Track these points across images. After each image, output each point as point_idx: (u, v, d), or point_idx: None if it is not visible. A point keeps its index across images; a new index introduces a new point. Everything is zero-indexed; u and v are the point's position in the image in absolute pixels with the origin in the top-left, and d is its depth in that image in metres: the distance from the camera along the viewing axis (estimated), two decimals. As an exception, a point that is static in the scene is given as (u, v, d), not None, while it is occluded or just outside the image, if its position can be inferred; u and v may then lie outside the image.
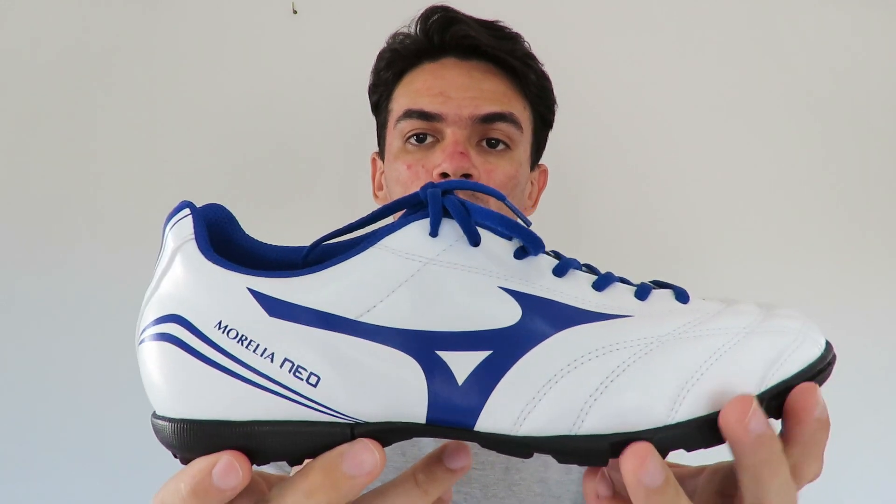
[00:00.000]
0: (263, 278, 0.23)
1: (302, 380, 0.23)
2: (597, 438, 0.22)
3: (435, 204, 0.25)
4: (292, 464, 0.24)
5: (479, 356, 0.23)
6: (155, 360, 0.23)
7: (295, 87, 0.85)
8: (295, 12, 0.86)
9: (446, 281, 0.24)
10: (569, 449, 0.22)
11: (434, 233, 0.24)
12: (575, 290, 0.24)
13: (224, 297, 0.23)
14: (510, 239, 0.25)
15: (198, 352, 0.23)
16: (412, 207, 0.26)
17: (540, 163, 0.67)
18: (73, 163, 0.82)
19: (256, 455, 0.23)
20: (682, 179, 0.88)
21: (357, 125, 0.76)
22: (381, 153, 0.65)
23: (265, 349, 0.23)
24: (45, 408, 0.79)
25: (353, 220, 0.27)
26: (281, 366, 0.23)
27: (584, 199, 0.88)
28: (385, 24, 0.63)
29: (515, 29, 0.61)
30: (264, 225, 0.84)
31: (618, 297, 0.25)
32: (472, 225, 0.24)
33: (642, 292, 0.25)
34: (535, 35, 0.62)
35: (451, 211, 0.24)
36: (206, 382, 0.23)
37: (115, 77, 0.84)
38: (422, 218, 0.24)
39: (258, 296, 0.23)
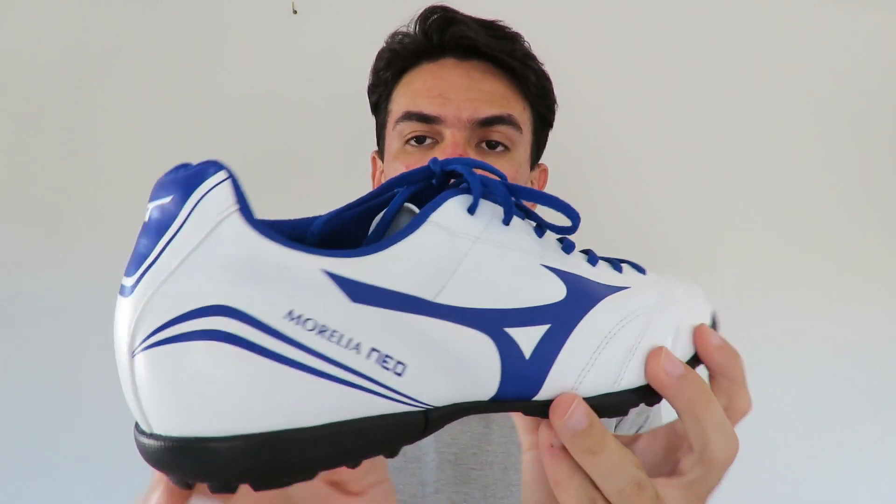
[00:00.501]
0: (340, 259, 0.20)
1: (389, 370, 0.21)
2: (629, 392, 0.26)
3: (475, 181, 0.24)
4: (353, 467, 0.21)
5: (541, 330, 0.24)
6: (196, 365, 0.18)
7: (295, 87, 0.85)
8: (295, 12, 0.86)
9: (497, 259, 0.24)
10: (609, 403, 0.25)
11: (473, 210, 0.24)
12: (582, 266, 0.27)
13: (294, 282, 0.19)
14: (523, 218, 0.26)
15: (267, 349, 0.19)
16: (417, 183, 0.26)
17: (540, 162, 0.67)
18: (73, 163, 0.82)
19: (322, 464, 0.20)
20: (682, 179, 0.88)
21: (357, 125, 0.76)
22: (380, 152, 0.65)
23: (350, 339, 0.20)
24: (45, 408, 0.79)
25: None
26: (368, 356, 0.20)
27: (584, 199, 0.87)
28: (385, 24, 0.63)
29: (515, 29, 0.61)
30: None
31: (607, 271, 0.28)
32: (512, 203, 0.25)
33: (617, 266, 0.29)
34: (535, 35, 0.61)
35: (494, 189, 0.24)
36: (280, 385, 0.19)
37: (115, 77, 0.84)
38: (457, 194, 0.24)
39: (338, 279, 0.20)
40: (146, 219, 0.19)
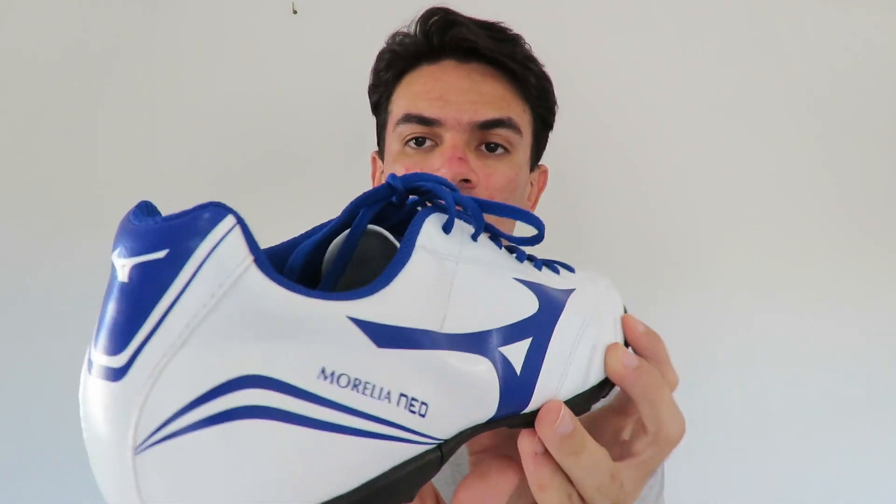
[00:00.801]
0: (361, 302, 0.18)
1: (415, 413, 0.19)
2: (594, 388, 0.27)
3: (449, 198, 0.23)
4: None
5: (526, 344, 0.24)
6: (230, 452, 0.16)
7: (295, 87, 0.85)
8: (295, 12, 0.86)
9: (478, 278, 0.23)
10: (580, 402, 0.27)
11: (448, 229, 0.23)
12: (536, 274, 0.27)
13: (324, 335, 0.17)
14: (483, 231, 0.26)
15: (305, 417, 0.16)
16: (379, 202, 0.25)
17: (540, 164, 0.67)
18: (73, 163, 0.82)
19: None
20: (681, 179, 0.88)
21: (357, 125, 0.76)
22: (380, 153, 0.65)
23: (381, 389, 0.18)
24: (45, 408, 0.79)
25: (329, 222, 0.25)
26: (398, 404, 0.19)
27: (584, 200, 0.88)
28: (385, 24, 0.63)
29: (515, 29, 0.60)
30: (264, 226, 0.85)
31: (551, 275, 0.28)
32: (482, 219, 0.24)
33: (554, 268, 0.29)
34: (536, 35, 0.61)
35: (468, 207, 0.24)
36: (321, 454, 0.17)
37: (115, 77, 0.84)
38: (429, 213, 0.23)
39: (364, 325, 0.18)
40: (122, 279, 0.15)
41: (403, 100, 0.58)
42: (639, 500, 0.55)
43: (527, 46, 0.60)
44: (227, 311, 0.16)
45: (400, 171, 0.57)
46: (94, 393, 0.15)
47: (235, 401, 0.16)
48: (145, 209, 0.17)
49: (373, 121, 0.66)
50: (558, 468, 0.25)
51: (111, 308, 0.15)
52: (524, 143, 0.59)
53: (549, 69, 0.62)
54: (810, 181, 0.88)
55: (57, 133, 0.82)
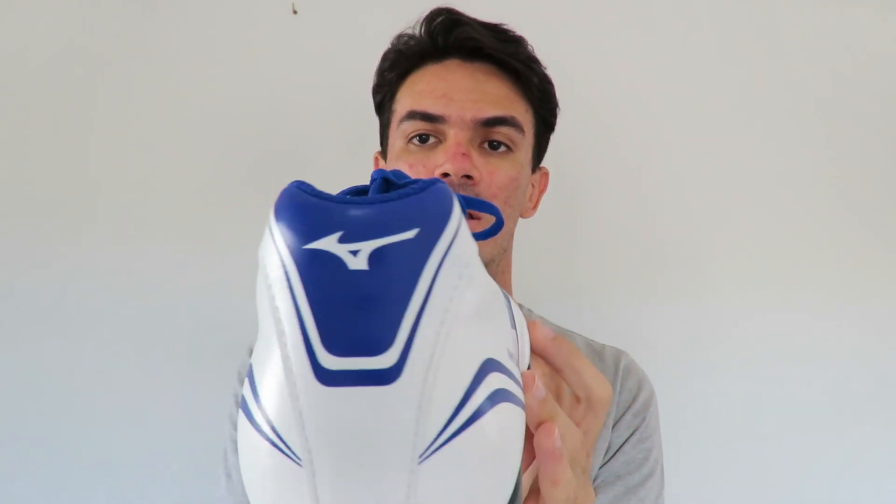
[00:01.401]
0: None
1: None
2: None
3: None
4: None
5: None
6: (497, 441, 0.14)
7: (295, 87, 0.85)
8: (295, 12, 0.85)
9: None
10: None
11: None
12: None
13: (505, 317, 0.17)
14: None
15: (517, 397, 0.16)
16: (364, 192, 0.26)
17: (541, 165, 0.68)
18: (72, 163, 0.82)
19: None
20: (682, 180, 0.88)
21: (357, 125, 0.76)
22: (383, 152, 0.65)
23: (518, 363, 0.20)
24: (43, 407, 0.79)
25: None
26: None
27: (584, 201, 0.88)
28: (385, 24, 0.63)
29: (517, 30, 0.61)
30: (263, 226, 0.84)
31: None
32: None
33: None
34: (537, 36, 0.62)
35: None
36: (522, 433, 0.17)
37: (114, 77, 0.83)
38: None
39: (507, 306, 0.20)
40: (358, 265, 0.13)
41: (408, 98, 0.59)
42: (638, 500, 0.55)
43: (530, 48, 0.61)
44: (469, 295, 0.14)
45: (404, 168, 0.57)
46: (354, 404, 0.13)
47: (487, 388, 0.14)
48: (312, 188, 0.15)
49: (373, 120, 0.66)
50: (568, 466, 0.26)
51: (348, 301, 0.13)
52: (526, 143, 0.60)
53: (550, 71, 0.63)
54: (811, 181, 0.88)
55: (56, 133, 0.82)
